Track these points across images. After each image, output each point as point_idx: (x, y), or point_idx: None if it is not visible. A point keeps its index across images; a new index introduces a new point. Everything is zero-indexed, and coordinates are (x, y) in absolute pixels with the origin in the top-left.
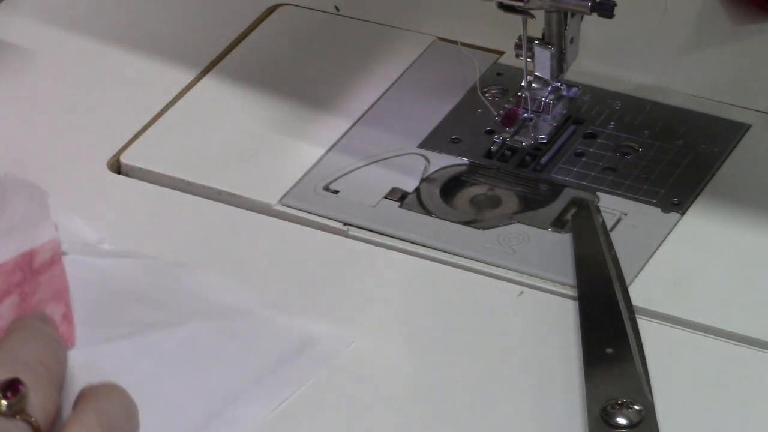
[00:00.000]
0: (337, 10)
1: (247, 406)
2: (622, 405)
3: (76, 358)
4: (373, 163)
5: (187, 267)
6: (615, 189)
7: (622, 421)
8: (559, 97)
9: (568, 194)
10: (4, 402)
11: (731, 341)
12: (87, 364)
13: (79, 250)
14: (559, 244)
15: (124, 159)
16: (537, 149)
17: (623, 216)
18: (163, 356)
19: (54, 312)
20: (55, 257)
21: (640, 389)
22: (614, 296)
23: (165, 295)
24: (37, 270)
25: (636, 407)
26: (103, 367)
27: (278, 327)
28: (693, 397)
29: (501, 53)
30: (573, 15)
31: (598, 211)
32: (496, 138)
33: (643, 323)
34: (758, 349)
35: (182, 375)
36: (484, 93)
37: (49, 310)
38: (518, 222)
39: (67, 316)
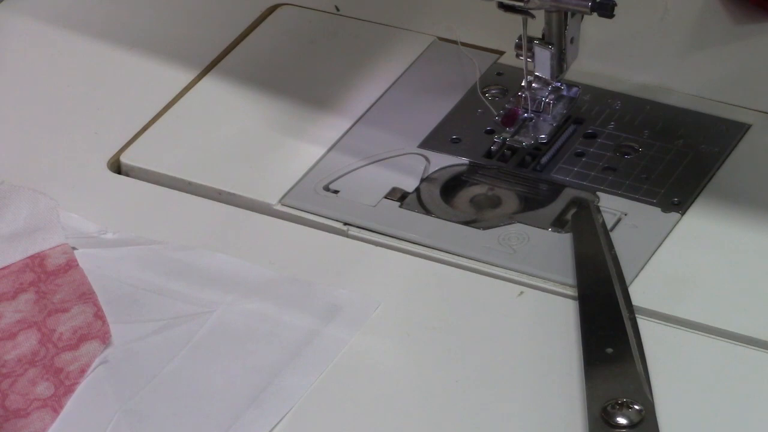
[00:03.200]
0: (337, 10)
1: (293, 378)
2: (622, 405)
3: (113, 354)
4: (373, 163)
5: (194, 249)
6: (615, 189)
7: (622, 421)
8: (559, 97)
9: (568, 194)
10: None
11: (731, 341)
12: (125, 359)
13: (86, 243)
14: (559, 244)
15: (124, 159)
16: (537, 149)
17: (623, 216)
18: (198, 345)
19: (85, 312)
20: (71, 262)
21: (640, 389)
22: (614, 296)
23: (183, 283)
24: (53, 272)
25: (636, 407)
26: (141, 362)
27: (302, 300)
28: (693, 397)
29: (501, 53)
30: (573, 15)
31: (598, 211)
32: (496, 138)
33: (643, 323)
34: (758, 349)
35: (221, 359)
36: (484, 93)
37: (77, 309)
38: (518, 222)
39: (99, 315)
